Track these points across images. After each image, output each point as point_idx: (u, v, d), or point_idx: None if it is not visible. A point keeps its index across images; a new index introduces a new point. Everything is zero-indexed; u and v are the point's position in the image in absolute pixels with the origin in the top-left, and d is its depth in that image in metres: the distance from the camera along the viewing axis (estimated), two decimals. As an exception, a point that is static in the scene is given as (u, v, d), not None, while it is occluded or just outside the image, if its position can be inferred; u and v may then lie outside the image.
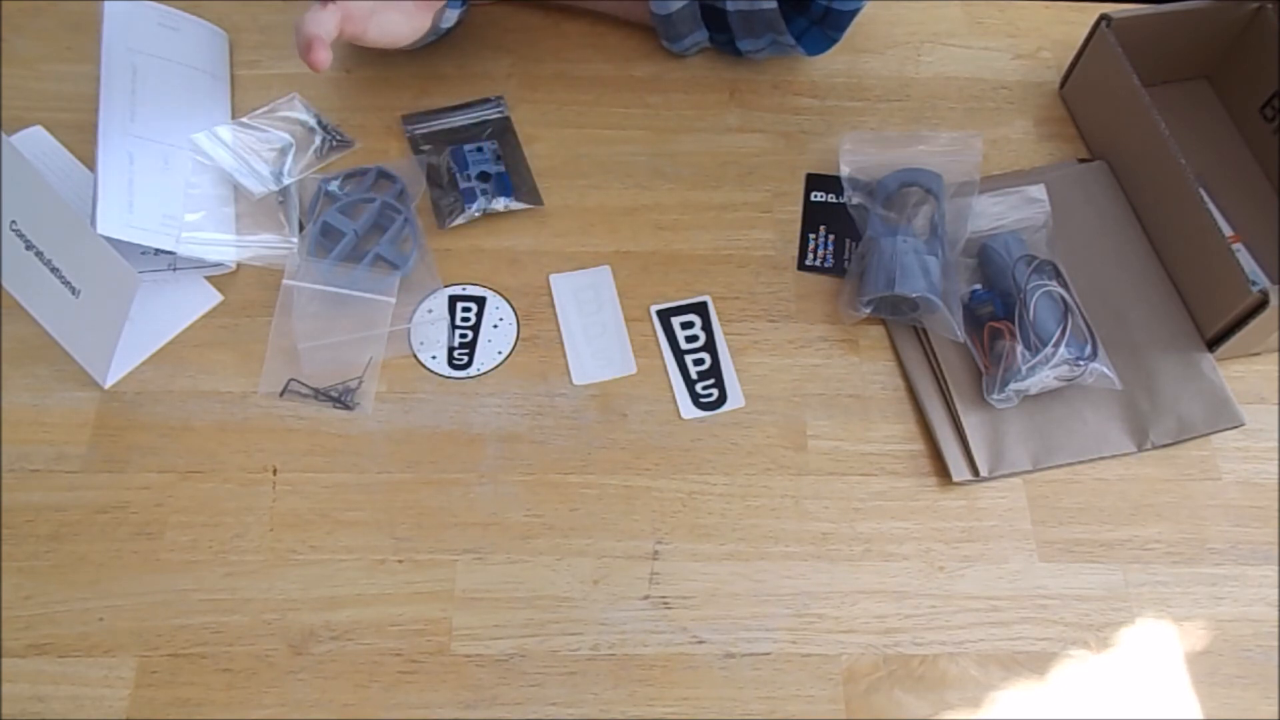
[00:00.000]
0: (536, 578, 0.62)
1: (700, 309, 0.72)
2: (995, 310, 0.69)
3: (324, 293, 0.67)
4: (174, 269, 0.70)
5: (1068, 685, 0.61)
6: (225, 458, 0.64)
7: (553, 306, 0.71)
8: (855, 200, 0.75)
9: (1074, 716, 0.60)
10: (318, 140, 0.75)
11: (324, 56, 0.66)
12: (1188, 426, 0.68)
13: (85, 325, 0.66)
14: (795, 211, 0.76)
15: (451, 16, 0.76)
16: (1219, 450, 0.68)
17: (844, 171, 0.76)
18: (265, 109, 0.76)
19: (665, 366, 0.69)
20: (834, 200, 0.77)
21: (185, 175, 0.71)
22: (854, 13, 0.78)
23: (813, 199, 0.77)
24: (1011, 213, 0.73)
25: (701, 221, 0.75)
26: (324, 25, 0.67)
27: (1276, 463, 0.68)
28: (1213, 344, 0.70)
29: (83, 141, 0.73)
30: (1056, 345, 0.65)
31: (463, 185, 0.73)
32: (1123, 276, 0.73)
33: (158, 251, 0.69)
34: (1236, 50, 0.80)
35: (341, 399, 0.66)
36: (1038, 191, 0.74)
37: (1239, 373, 0.71)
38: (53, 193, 0.64)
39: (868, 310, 0.70)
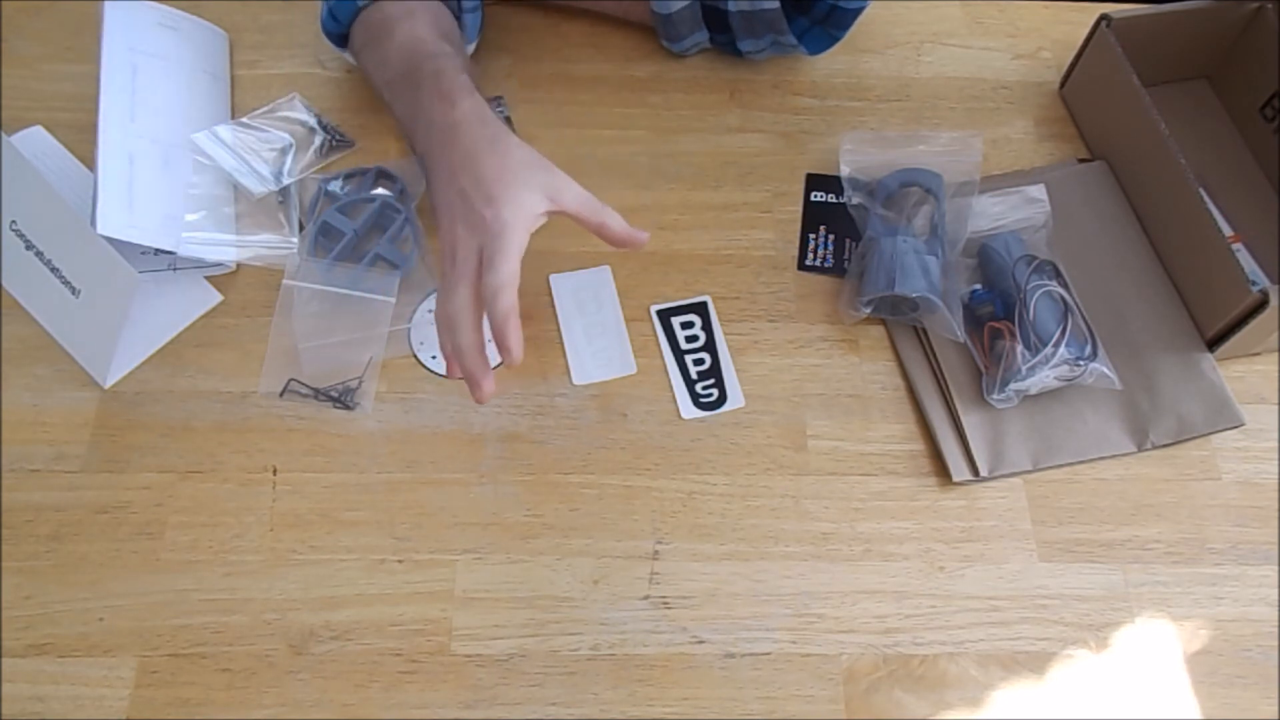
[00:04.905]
0: (536, 578, 0.62)
1: (700, 309, 0.72)
2: (995, 310, 0.69)
3: (324, 293, 0.67)
4: (174, 269, 0.70)
5: (1068, 685, 0.61)
6: (225, 458, 0.64)
7: (553, 306, 0.71)
8: (855, 200, 0.75)
9: (1074, 716, 0.60)
10: (318, 140, 0.75)
11: (491, 387, 0.59)
12: (1188, 426, 0.68)
13: (85, 325, 0.66)
14: (795, 211, 0.76)
15: (470, 48, 0.77)
16: (1219, 450, 0.68)
17: (844, 171, 0.76)
18: (265, 109, 0.76)
19: (665, 366, 0.69)
20: (834, 200, 0.77)
21: (185, 175, 0.71)
22: (859, 11, 0.78)
23: (813, 199, 0.77)
24: (1011, 213, 0.73)
25: (701, 221, 0.75)
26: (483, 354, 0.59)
27: (1276, 463, 0.68)
28: (1213, 344, 0.70)
29: (83, 141, 0.73)
30: (1056, 345, 0.65)
31: (463, 185, 0.73)
32: (1123, 276, 0.73)
33: (158, 251, 0.69)
34: (1236, 50, 0.80)
35: (341, 399, 0.66)
36: (1038, 191, 0.74)
37: (1239, 373, 0.71)
38: (53, 193, 0.64)
39: (868, 310, 0.70)
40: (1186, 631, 0.63)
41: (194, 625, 0.59)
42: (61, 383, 0.66)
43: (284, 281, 0.67)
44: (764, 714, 0.59)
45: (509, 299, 0.56)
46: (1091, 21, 0.76)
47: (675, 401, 0.68)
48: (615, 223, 0.62)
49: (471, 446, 0.66)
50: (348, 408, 0.66)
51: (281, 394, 0.66)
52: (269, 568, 0.61)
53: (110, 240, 0.63)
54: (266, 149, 0.74)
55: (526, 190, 0.60)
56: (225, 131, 0.74)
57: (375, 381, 0.67)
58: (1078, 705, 0.60)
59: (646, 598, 0.62)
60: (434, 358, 0.68)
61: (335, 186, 0.73)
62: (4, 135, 0.65)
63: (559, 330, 0.70)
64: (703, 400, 0.68)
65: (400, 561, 0.62)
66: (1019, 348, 0.65)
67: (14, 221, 0.67)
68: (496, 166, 0.60)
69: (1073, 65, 0.81)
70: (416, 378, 0.68)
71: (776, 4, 0.76)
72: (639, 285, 0.72)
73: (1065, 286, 0.68)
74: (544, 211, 0.61)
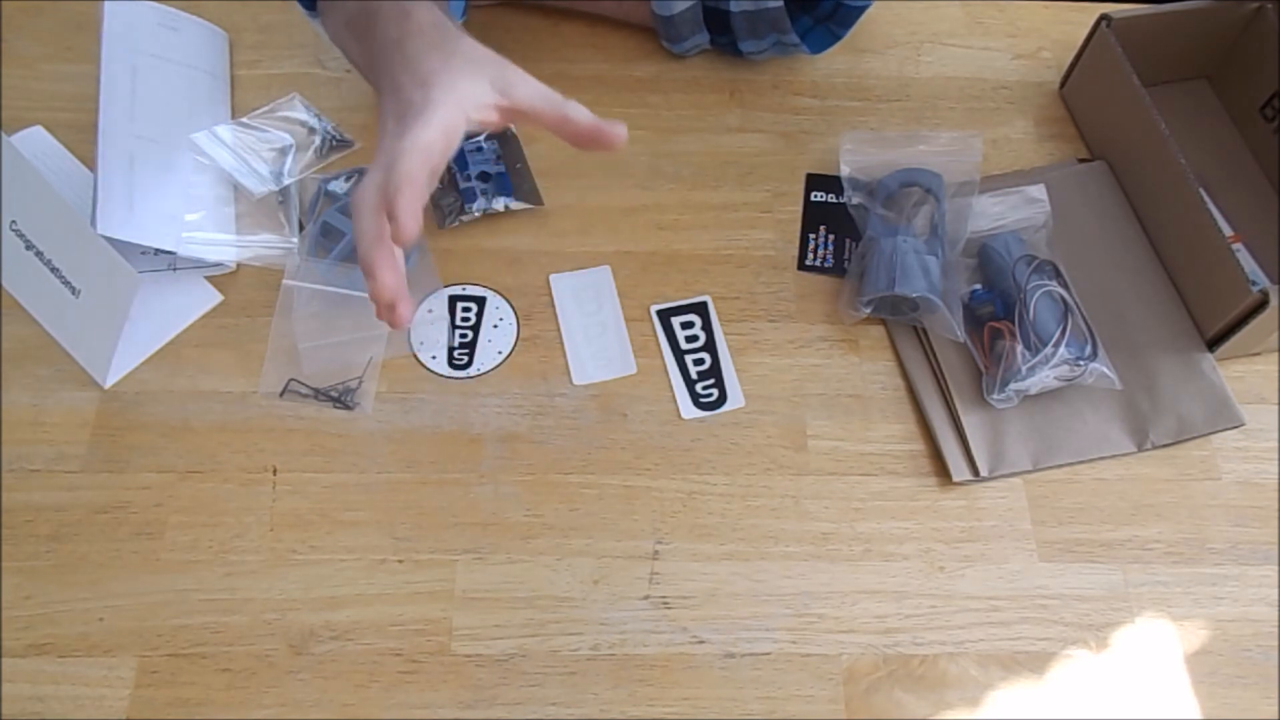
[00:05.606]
0: (536, 578, 0.62)
1: (700, 309, 0.72)
2: (995, 310, 0.69)
3: (324, 293, 0.67)
4: (174, 269, 0.70)
5: (1068, 685, 0.61)
6: (225, 458, 0.64)
7: (553, 306, 0.71)
8: (855, 200, 0.75)
9: (1074, 716, 0.60)
10: (318, 140, 0.75)
11: (409, 313, 0.53)
12: (1188, 426, 0.68)
13: (85, 325, 0.66)
14: (795, 211, 0.76)
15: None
16: (1219, 450, 0.68)
17: (844, 171, 0.76)
18: (265, 109, 0.76)
19: (665, 366, 0.69)
20: (834, 200, 0.77)
21: (185, 175, 0.71)
22: (863, 9, 0.78)
23: (813, 199, 0.77)
24: (1011, 213, 0.73)
25: (701, 221, 0.75)
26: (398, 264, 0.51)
27: (1276, 463, 0.68)
28: (1213, 344, 0.70)
29: (83, 141, 0.73)
30: (1056, 345, 0.65)
31: (463, 185, 0.73)
32: (1123, 276, 0.73)
33: (158, 251, 0.69)
34: (1236, 50, 0.80)
35: (341, 399, 0.66)
36: (1038, 191, 0.74)
37: (1239, 373, 0.71)
38: (53, 193, 0.64)
39: (868, 310, 0.70)
40: (1186, 631, 0.63)
41: (194, 625, 0.59)
42: (61, 383, 0.66)
43: (284, 281, 0.67)
44: (764, 714, 0.59)
45: (409, 165, 0.48)
46: (1091, 21, 0.76)
47: (675, 401, 0.68)
48: (580, 115, 0.53)
49: (471, 446, 0.66)
50: (348, 408, 0.66)
51: (281, 394, 0.66)
52: (269, 568, 0.61)
53: (110, 240, 0.63)
54: (266, 149, 0.74)
55: (469, 79, 0.53)
56: (225, 131, 0.74)
57: (375, 381, 0.67)
58: (1078, 705, 0.60)
59: (646, 598, 0.62)
60: (434, 358, 0.68)
61: (335, 186, 0.73)
62: (4, 135, 0.65)
63: (559, 330, 0.70)
64: (703, 400, 0.68)
65: (400, 561, 0.62)
66: (1019, 348, 0.65)
67: (14, 221, 0.67)
68: (440, 62, 0.53)
69: (1073, 65, 0.81)
70: (416, 378, 0.68)
71: (780, 3, 0.76)
72: (639, 285, 0.72)
73: (1065, 286, 0.68)
74: (492, 104, 0.53)
